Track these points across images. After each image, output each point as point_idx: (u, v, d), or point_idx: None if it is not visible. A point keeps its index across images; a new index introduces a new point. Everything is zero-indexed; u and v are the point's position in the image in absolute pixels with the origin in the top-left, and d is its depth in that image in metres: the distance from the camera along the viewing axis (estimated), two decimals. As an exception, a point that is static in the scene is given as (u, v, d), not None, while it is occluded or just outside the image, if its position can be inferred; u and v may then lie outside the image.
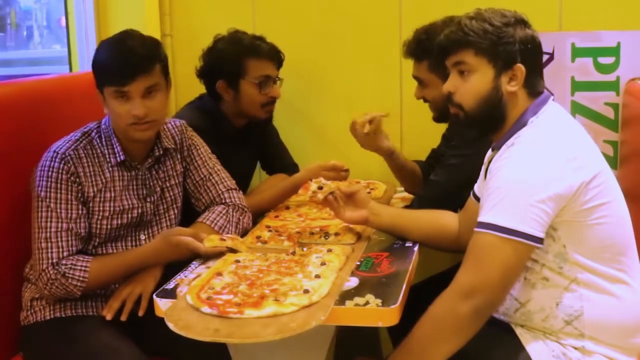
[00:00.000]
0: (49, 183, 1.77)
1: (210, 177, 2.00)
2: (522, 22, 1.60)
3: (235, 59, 2.26)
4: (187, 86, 2.65)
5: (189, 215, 2.00)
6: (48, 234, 1.75)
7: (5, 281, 1.87)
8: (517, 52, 1.57)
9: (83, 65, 2.64)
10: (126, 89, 1.76)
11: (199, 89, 2.42)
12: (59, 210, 1.76)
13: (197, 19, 2.74)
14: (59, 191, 1.77)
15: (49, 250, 1.74)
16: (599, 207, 1.52)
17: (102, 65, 1.80)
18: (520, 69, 1.58)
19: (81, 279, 1.73)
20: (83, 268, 1.74)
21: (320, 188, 1.85)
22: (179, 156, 1.98)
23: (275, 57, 2.31)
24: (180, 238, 1.75)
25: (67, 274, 1.72)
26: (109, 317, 1.74)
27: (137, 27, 1.87)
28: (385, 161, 2.33)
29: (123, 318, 1.74)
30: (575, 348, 1.55)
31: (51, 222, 1.75)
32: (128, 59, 1.77)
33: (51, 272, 1.72)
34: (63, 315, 1.80)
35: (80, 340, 1.73)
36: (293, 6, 2.68)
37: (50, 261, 1.73)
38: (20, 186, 1.82)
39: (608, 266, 1.54)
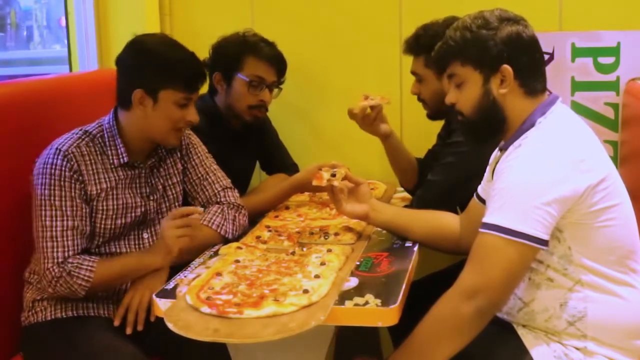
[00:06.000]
0: (52, 180, 1.74)
1: (207, 177, 2.01)
2: (507, 20, 1.57)
3: (235, 52, 2.27)
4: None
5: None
6: (54, 232, 1.72)
7: (6, 281, 1.86)
8: (502, 53, 1.56)
9: (83, 65, 2.64)
10: (192, 96, 1.82)
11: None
12: (64, 209, 1.74)
13: (197, 19, 2.74)
14: (63, 189, 1.74)
15: (55, 250, 1.71)
16: (606, 209, 1.50)
17: (173, 69, 1.79)
18: (507, 69, 1.56)
19: (86, 278, 1.71)
20: (89, 268, 1.72)
21: (333, 175, 1.84)
22: (178, 154, 1.99)
23: (275, 63, 2.29)
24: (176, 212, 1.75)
25: (72, 273, 1.70)
26: (129, 330, 1.72)
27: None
28: (382, 143, 2.31)
29: (139, 328, 1.73)
30: (577, 349, 1.54)
31: (56, 220, 1.73)
32: (200, 68, 1.85)
33: (56, 270, 1.70)
34: (64, 316, 1.80)
35: (81, 340, 1.72)
36: (292, 6, 2.68)
37: (55, 260, 1.70)
38: (21, 187, 1.81)
39: (613, 269, 1.53)
